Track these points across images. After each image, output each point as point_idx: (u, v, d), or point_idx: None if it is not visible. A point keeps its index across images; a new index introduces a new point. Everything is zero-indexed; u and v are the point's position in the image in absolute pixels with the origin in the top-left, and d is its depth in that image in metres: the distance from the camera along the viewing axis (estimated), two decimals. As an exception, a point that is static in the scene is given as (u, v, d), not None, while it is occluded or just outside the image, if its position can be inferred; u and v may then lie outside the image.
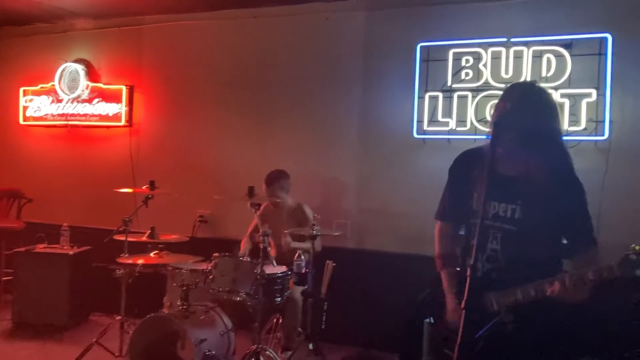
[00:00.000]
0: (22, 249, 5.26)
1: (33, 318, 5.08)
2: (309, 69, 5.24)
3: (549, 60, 4.39)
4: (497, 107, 2.22)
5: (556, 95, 4.34)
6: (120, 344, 4.10)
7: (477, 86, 4.57)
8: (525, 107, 2.09)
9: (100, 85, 5.96)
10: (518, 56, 4.46)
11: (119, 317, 4.14)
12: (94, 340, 4.08)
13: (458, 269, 2.31)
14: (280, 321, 4.37)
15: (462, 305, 1.77)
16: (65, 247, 5.29)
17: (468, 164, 2.30)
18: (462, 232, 2.44)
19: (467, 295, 1.78)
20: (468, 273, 1.83)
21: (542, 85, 4.23)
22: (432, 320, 2.53)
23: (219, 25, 5.57)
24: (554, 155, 2.13)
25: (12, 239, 5.70)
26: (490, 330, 2.12)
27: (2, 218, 5.96)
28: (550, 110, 2.15)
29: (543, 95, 2.19)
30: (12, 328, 5.06)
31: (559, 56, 4.37)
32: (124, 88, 5.85)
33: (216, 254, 3.88)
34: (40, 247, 5.30)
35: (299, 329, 4.19)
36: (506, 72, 4.49)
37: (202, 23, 5.62)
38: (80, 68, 5.97)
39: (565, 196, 2.12)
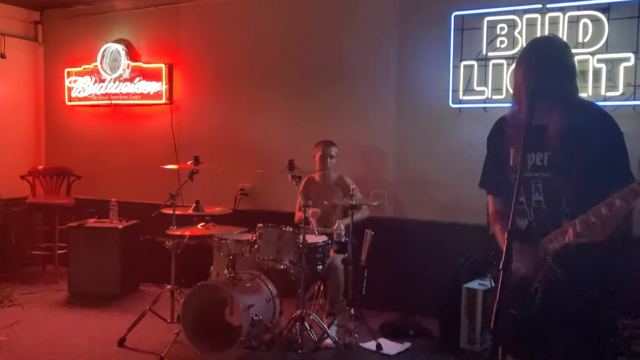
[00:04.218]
0: (75, 224, 5.53)
1: (87, 288, 5.38)
2: (345, 39, 5.29)
3: (585, 26, 4.36)
4: (518, 69, 2.30)
5: (593, 61, 4.33)
6: (171, 311, 4.34)
7: (513, 54, 4.55)
8: (545, 68, 2.19)
9: (141, 64, 6.12)
10: (554, 22, 4.42)
11: (170, 286, 4.36)
12: (147, 307, 4.30)
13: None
14: (322, 288, 4.55)
15: (500, 266, 1.86)
16: (114, 222, 5.54)
17: (502, 129, 2.37)
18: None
19: (504, 257, 1.87)
20: (505, 236, 1.92)
21: (578, 50, 4.30)
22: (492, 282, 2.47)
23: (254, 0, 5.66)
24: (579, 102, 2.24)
25: (64, 215, 6.00)
26: (544, 279, 2.18)
27: (53, 195, 6.25)
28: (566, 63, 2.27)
29: (557, 50, 2.29)
30: (69, 297, 5.38)
31: (595, 20, 4.32)
32: (163, 66, 6.00)
33: (260, 225, 4.04)
34: (92, 222, 5.57)
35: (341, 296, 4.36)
36: (542, 38, 4.47)
37: (237, -1, 5.72)
38: (120, 48, 6.14)
39: (595, 135, 2.15)
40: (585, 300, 2.19)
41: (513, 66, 4.28)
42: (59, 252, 5.95)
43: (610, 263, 2.38)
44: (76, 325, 4.65)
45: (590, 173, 2.13)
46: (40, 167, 6.39)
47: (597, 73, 4.33)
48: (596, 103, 2.39)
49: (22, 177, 6.16)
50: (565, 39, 4.40)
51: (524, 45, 4.48)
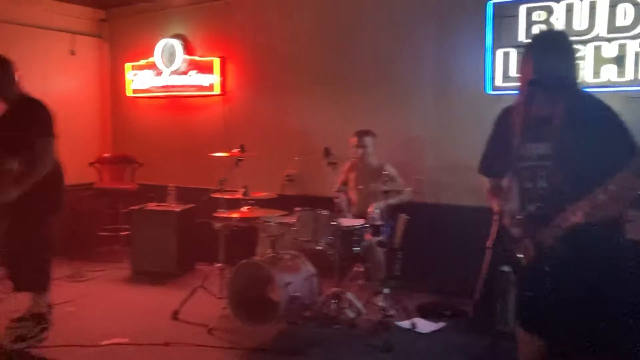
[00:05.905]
0: (137, 207, 5.98)
1: (148, 266, 5.83)
2: (385, 30, 5.45)
3: (625, 10, 4.33)
4: (525, 61, 2.41)
5: (634, 45, 4.31)
6: (220, 287, 4.69)
7: (550, 40, 4.58)
8: (550, 60, 2.30)
9: (195, 58, 6.49)
10: (592, 7, 4.42)
11: (219, 265, 4.70)
12: (199, 284, 4.68)
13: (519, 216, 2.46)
14: (363, 270, 4.78)
15: (488, 244, 2.03)
16: (172, 205, 5.96)
17: (507, 118, 2.50)
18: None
19: (494, 235, 2.03)
20: (497, 217, 2.08)
21: (617, 35, 4.29)
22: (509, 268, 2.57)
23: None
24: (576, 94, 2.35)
25: (128, 199, 6.48)
26: (552, 262, 2.30)
27: (118, 180, 6.76)
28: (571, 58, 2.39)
29: (563, 44, 2.41)
30: (132, 275, 5.85)
31: (636, 5, 4.30)
32: (216, 60, 6.35)
33: (298, 208, 4.30)
34: (152, 206, 6.01)
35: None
36: (580, 24, 4.47)
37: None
38: (177, 43, 6.53)
39: (593, 123, 2.26)
40: (594, 282, 2.30)
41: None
42: (123, 233, 6.45)
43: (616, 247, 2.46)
44: (136, 299, 5.08)
45: (590, 160, 2.22)
46: (106, 155, 6.91)
47: (637, 57, 4.31)
48: (590, 93, 2.48)
49: (90, 164, 6.70)
50: (604, 23, 4.40)
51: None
